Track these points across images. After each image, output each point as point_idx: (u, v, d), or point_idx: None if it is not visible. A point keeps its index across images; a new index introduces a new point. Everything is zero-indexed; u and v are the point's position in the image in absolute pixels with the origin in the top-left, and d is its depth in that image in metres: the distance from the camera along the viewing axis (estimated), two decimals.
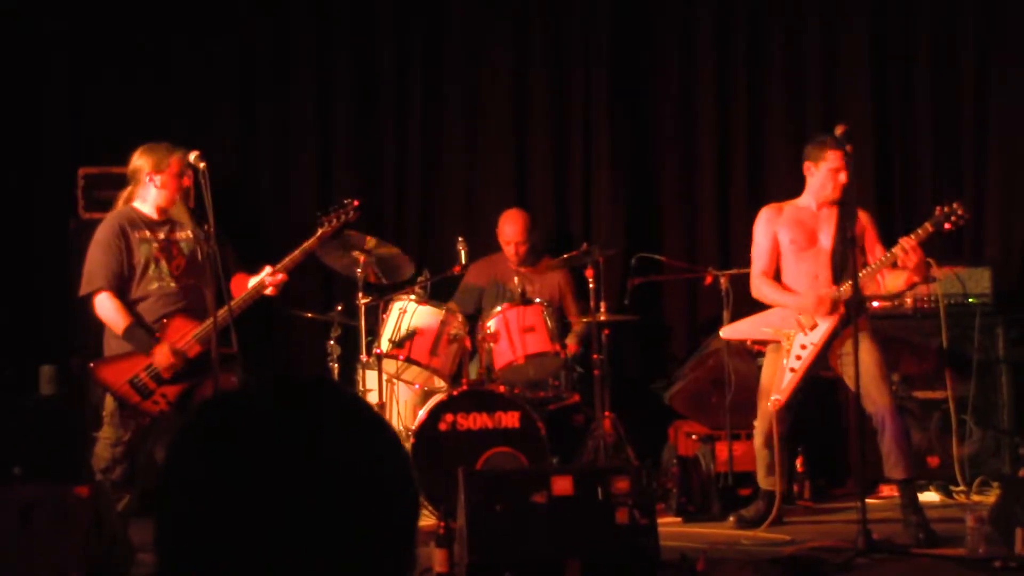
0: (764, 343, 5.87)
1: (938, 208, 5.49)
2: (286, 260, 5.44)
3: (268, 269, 5.42)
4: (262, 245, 6.61)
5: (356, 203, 5.62)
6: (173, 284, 5.36)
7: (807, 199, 5.83)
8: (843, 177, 5.63)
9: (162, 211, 5.42)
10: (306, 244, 5.51)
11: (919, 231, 5.44)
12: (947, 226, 5.45)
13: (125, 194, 5.46)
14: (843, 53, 7.63)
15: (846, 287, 5.50)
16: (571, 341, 6.71)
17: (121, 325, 5.28)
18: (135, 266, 5.34)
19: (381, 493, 1.24)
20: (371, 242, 6.07)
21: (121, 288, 5.32)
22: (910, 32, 7.63)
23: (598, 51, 7.67)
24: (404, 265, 6.33)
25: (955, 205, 5.46)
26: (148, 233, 5.38)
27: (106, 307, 5.30)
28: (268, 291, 5.41)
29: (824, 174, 5.70)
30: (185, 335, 5.28)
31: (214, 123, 7.47)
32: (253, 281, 5.42)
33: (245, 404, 1.27)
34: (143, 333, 5.28)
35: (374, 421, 1.30)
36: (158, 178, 5.36)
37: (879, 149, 7.54)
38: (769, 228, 5.83)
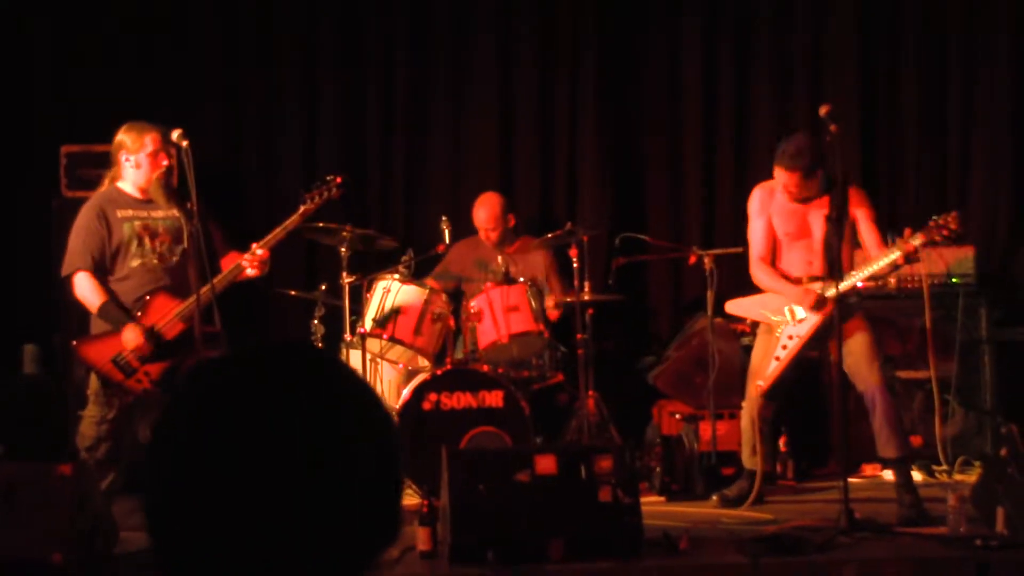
0: (756, 324, 5.89)
1: (932, 221, 5.27)
2: (268, 237, 5.41)
3: (254, 247, 5.40)
4: (246, 224, 6.59)
5: (339, 180, 5.56)
6: (156, 262, 5.35)
7: None
8: (795, 190, 5.58)
9: (144, 190, 5.39)
10: (288, 222, 5.47)
11: (906, 244, 5.28)
12: (936, 238, 5.30)
13: (111, 173, 5.45)
14: (830, 35, 7.63)
15: (831, 289, 5.43)
16: (550, 305, 6.57)
17: (96, 303, 5.27)
18: (117, 245, 5.32)
19: (363, 463, 1.24)
20: (348, 229, 6.04)
21: (102, 268, 5.31)
22: (898, 13, 7.63)
23: (585, 32, 7.65)
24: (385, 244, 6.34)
25: (950, 218, 5.22)
26: (131, 212, 5.36)
27: (83, 286, 5.30)
28: (250, 271, 5.37)
29: (782, 187, 5.67)
30: (167, 313, 5.26)
31: (198, 101, 7.42)
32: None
33: (228, 376, 1.27)
34: (117, 311, 5.27)
35: (359, 389, 1.30)
36: (133, 157, 5.34)
37: (864, 130, 7.55)
38: (764, 210, 5.77)
